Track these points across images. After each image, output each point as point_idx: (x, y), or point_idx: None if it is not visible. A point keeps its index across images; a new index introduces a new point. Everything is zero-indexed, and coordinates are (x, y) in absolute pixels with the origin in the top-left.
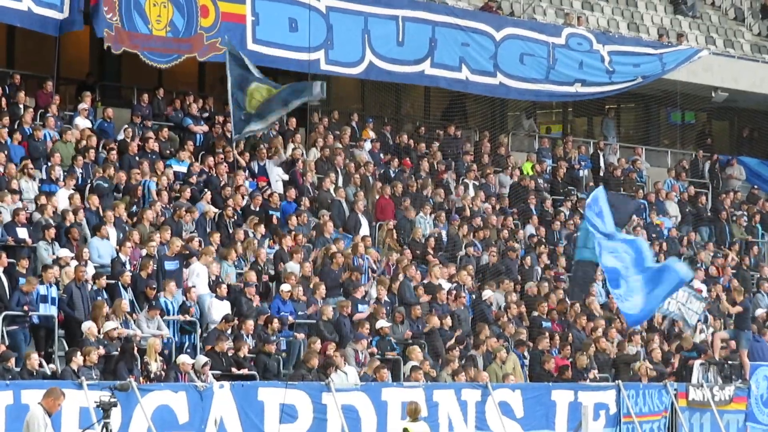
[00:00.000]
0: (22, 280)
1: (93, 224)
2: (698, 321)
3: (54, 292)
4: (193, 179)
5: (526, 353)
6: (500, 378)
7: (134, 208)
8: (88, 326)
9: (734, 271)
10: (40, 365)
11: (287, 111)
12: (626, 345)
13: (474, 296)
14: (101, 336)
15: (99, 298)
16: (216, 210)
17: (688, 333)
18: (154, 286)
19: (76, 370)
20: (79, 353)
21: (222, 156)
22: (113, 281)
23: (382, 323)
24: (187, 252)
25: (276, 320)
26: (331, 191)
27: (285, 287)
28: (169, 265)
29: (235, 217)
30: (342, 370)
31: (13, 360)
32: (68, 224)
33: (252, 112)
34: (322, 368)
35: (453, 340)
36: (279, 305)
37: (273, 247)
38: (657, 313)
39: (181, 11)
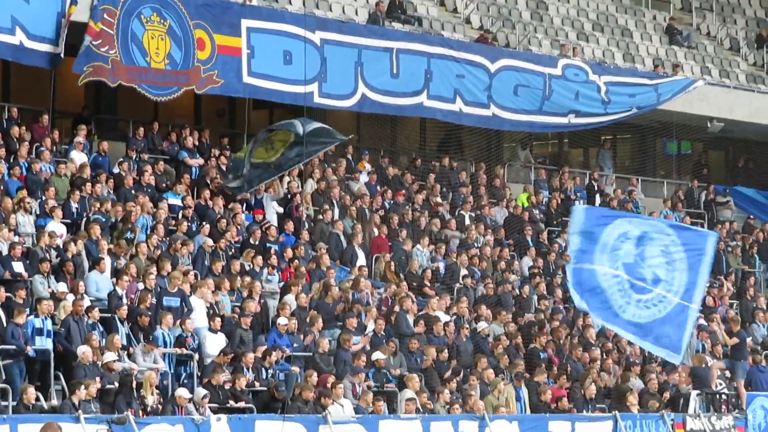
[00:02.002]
0: None
1: (93, 258)
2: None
3: (49, 325)
4: (189, 212)
5: (523, 385)
6: (496, 410)
7: (128, 234)
8: (83, 351)
9: (732, 301)
10: (37, 399)
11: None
12: (628, 375)
13: (471, 328)
14: (99, 365)
15: (95, 331)
16: (212, 244)
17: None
18: (148, 314)
19: (76, 404)
20: (82, 387)
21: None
22: (108, 314)
23: (378, 355)
24: (188, 287)
25: (274, 353)
26: (330, 225)
27: (282, 320)
28: (169, 302)
29: (233, 250)
30: (338, 403)
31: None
32: (65, 257)
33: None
34: (318, 400)
35: (450, 372)
36: (275, 338)
37: (272, 274)
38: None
39: (179, 44)
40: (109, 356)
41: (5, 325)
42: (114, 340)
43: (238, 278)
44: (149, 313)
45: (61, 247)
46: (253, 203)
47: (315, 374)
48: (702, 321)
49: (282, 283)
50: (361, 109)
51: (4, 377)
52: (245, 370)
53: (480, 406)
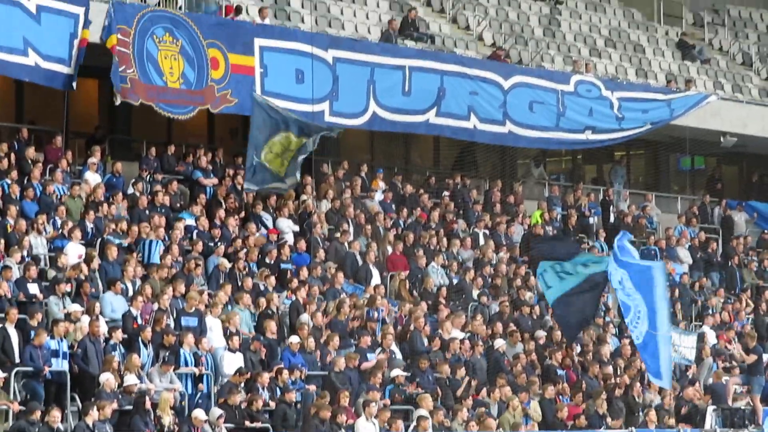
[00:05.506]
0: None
1: (108, 278)
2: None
3: (65, 347)
4: (216, 233)
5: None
6: (514, 427)
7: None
8: (106, 378)
9: (748, 316)
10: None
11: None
12: (642, 391)
13: (487, 345)
14: (118, 390)
15: (114, 352)
16: (228, 264)
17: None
18: (176, 333)
19: (90, 425)
20: (95, 408)
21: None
22: (125, 336)
23: (398, 372)
24: (204, 307)
25: (286, 371)
26: (346, 244)
27: (294, 339)
28: (187, 321)
29: (246, 269)
30: (371, 421)
31: (38, 413)
32: (82, 279)
33: (267, 166)
34: (334, 419)
35: (462, 389)
36: (289, 357)
37: (290, 298)
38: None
39: (191, 64)
40: (129, 380)
41: (15, 347)
42: (133, 359)
43: (249, 297)
44: (177, 332)
45: (77, 268)
46: (269, 223)
47: (328, 394)
48: (716, 341)
49: (290, 302)
50: (371, 128)
51: (20, 399)
52: (261, 390)
53: (492, 424)
